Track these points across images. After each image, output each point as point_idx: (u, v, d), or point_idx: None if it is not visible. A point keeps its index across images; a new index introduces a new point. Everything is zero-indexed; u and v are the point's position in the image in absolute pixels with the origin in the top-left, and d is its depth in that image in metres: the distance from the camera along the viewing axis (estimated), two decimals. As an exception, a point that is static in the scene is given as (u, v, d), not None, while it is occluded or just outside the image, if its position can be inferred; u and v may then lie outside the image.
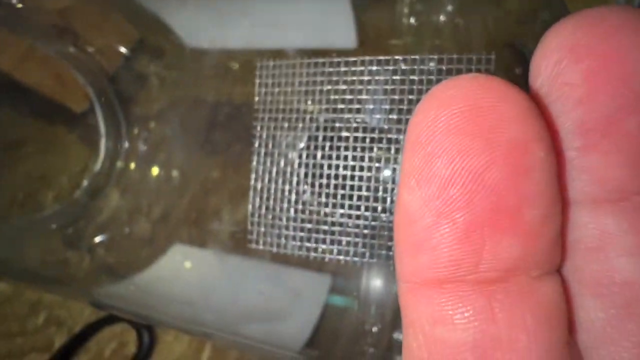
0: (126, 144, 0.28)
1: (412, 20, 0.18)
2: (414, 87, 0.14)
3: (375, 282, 0.19)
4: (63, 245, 0.27)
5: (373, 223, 0.16)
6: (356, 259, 0.17)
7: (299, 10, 0.22)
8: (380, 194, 0.16)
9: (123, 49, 0.28)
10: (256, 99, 0.18)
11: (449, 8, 0.17)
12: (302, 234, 0.17)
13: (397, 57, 0.15)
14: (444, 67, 0.14)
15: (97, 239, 0.27)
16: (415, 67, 0.14)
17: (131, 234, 0.27)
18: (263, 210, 0.18)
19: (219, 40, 0.25)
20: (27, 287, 0.32)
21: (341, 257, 0.17)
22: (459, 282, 0.07)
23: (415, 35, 0.17)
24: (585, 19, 0.07)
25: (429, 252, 0.07)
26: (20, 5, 0.24)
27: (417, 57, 0.14)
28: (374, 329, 0.19)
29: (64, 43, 0.27)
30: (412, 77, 0.14)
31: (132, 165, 0.28)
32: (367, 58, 0.15)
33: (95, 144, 0.28)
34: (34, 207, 0.28)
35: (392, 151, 0.15)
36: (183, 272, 0.25)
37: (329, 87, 0.16)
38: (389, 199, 0.16)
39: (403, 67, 0.14)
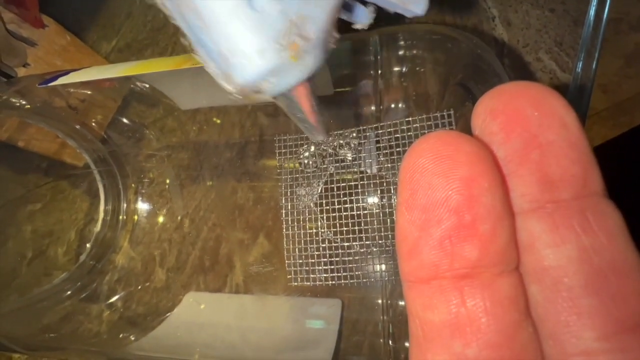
0: (127, 198, 0.29)
1: (379, 71, 0.22)
2: (399, 142, 0.19)
3: (383, 301, 0.22)
4: (81, 305, 0.27)
5: (385, 248, 0.20)
6: (377, 279, 0.21)
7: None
8: (389, 224, 0.20)
9: (114, 103, 0.28)
10: (277, 163, 0.23)
11: (410, 59, 0.21)
12: (330, 266, 0.21)
13: (382, 123, 0.19)
14: (418, 125, 0.18)
15: (115, 295, 0.27)
16: (397, 128, 0.19)
17: (147, 285, 0.27)
18: (296, 252, 0.22)
19: (206, 101, 0.27)
20: (53, 356, 0.29)
21: (365, 280, 0.21)
22: (440, 278, 0.09)
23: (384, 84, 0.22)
24: (496, 93, 0.09)
25: (417, 258, 0.09)
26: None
27: (397, 121, 0.19)
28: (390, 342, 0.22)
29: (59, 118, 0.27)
30: (396, 135, 0.19)
31: (136, 218, 0.29)
32: (361, 127, 0.20)
33: (97, 199, 0.29)
34: (45, 264, 0.28)
35: (392, 190, 0.20)
36: (202, 315, 0.26)
37: (334, 150, 0.20)
38: (390, 227, 0.20)
39: (389, 129, 0.19)
